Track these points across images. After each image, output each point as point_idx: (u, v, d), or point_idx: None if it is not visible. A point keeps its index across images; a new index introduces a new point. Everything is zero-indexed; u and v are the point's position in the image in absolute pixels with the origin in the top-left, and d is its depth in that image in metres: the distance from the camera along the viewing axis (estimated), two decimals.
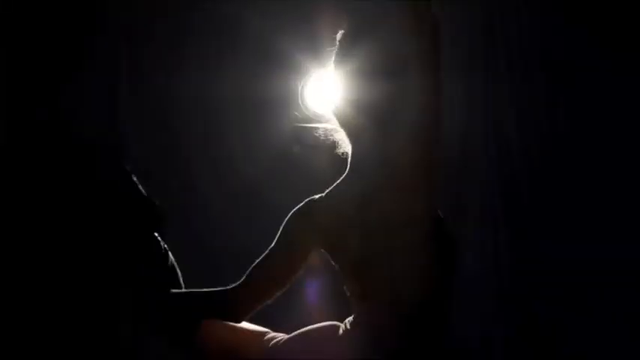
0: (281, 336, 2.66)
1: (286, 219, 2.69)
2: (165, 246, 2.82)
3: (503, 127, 4.52)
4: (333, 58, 2.67)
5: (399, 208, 2.56)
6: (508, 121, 4.52)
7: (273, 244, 2.68)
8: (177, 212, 5.03)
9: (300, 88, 2.96)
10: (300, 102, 2.86)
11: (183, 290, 2.79)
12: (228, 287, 2.70)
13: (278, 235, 2.69)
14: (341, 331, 2.61)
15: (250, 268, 2.69)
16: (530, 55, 4.54)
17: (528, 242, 4.56)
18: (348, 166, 2.67)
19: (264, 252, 2.70)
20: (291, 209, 2.71)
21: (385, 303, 2.54)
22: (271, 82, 4.19)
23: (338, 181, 2.66)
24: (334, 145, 2.74)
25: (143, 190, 2.81)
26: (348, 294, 2.63)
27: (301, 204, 2.68)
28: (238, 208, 4.54)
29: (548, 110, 4.59)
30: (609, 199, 4.57)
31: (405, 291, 2.54)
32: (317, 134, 2.73)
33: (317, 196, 2.67)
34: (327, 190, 2.67)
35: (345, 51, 2.63)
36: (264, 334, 2.68)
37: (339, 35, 2.67)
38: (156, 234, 2.80)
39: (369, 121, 2.60)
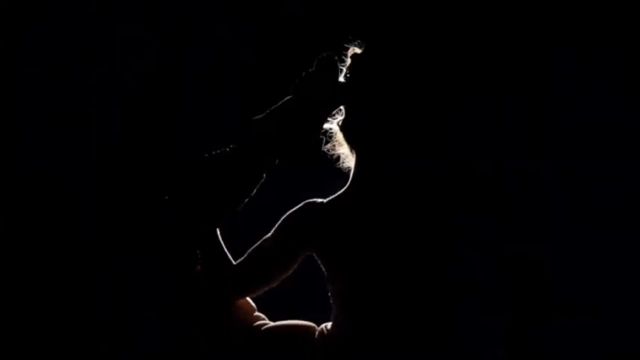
0: (267, 323, 2.68)
1: (284, 217, 2.70)
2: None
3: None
4: (344, 74, 2.68)
5: (403, 226, 2.57)
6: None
7: (268, 241, 2.69)
8: None
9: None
10: None
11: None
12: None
13: (274, 231, 2.69)
14: (317, 334, 2.62)
15: (242, 261, 2.69)
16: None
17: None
18: (350, 179, 2.69)
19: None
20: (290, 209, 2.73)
21: (372, 313, 2.55)
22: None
23: (340, 192, 2.68)
24: (338, 159, 2.76)
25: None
26: (332, 299, 2.64)
27: (301, 204, 2.69)
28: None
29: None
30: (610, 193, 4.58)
31: (399, 305, 2.54)
32: (324, 149, 2.74)
33: (318, 200, 2.69)
34: (329, 198, 2.68)
35: (357, 71, 2.65)
36: (257, 317, 2.70)
37: (351, 52, 2.69)
38: None
39: (375, 139, 2.61)
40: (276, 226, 2.71)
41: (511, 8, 4.50)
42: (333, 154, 2.75)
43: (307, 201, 2.70)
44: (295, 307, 3.16)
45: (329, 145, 2.74)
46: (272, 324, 2.68)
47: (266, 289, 2.71)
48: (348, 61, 2.69)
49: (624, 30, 4.41)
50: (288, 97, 2.62)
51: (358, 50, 2.68)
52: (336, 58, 2.64)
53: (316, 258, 2.68)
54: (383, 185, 2.62)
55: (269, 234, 2.72)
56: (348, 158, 2.72)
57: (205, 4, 4.81)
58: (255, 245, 2.72)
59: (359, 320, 2.58)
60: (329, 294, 2.66)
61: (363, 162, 2.65)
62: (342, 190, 2.70)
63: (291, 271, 2.71)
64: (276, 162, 2.60)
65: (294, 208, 2.71)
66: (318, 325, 2.71)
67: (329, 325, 2.66)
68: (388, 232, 2.59)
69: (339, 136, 2.70)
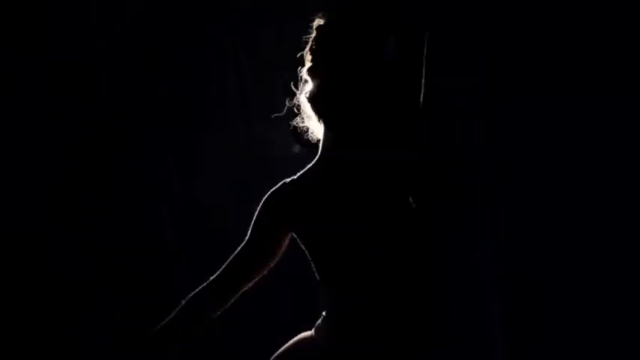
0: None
1: (260, 204, 2.69)
2: None
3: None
4: (309, 46, 2.68)
5: (376, 193, 2.56)
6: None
7: (248, 232, 2.69)
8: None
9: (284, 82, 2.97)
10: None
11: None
12: (205, 284, 2.69)
13: (252, 221, 2.69)
14: (310, 338, 2.62)
15: (227, 262, 2.68)
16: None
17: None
18: (320, 151, 2.67)
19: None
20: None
21: (360, 288, 2.54)
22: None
23: (310, 165, 2.67)
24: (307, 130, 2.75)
25: None
26: (319, 280, 2.63)
27: (274, 187, 2.68)
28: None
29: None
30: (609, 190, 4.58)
31: (384, 276, 2.53)
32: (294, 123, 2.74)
33: (289, 179, 2.67)
34: (300, 173, 2.67)
35: (322, 41, 2.64)
36: None
37: (316, 24, 2.68)
38: None
39: (341, 109, 2.61)
40: (255, 213, 2.69)
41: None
42: (302, 127, 2.75)
43: (281, 182, 2.69)
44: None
45: (298, 118, 2.74)
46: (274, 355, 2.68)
47: (250, 284, 2.69)
48: (313, 32, 2.68)
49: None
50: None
51: (322, 22, 2.68)
52: None
53: (295, 237, 2.66)
54: (350, 157, 2.61)
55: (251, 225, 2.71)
56: (316, 130, 2.72)
57: None
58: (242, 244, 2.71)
59: (349, 296, 2.56)
60: (315, 274, 2.64)
61: (329, 134, 2.64)
62: (312, 162, 2.68)
63: (278, 257, 2.68)
64: None
65: (269, 191, 2.70)
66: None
67: (319, 322, 2.65)
68: (356, 205, 2.58)
69: (307, 108, 2.70)
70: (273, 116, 2.76)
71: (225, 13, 4.84)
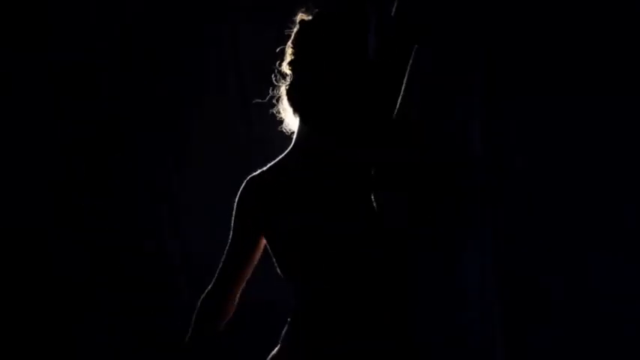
0: None
1: (238, 194, 2.69)
2: None
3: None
4: (291, 39, 2.69)
5: (340, 194, 2.56)
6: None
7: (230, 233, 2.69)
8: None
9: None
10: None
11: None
12: (202, 296, 2.70)
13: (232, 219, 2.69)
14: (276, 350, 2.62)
15: (218, 269, 2.69)
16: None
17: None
18: (292, 143, 2.68)
19: None
20: None
21: (327, 281, 2.54)
22: None
23: (282, 155, 2.67)
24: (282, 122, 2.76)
25: None
26: (284, 277, 2.62)
27: (249, 179, 2.68)
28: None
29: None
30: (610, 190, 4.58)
31: (350, 268, 2.53)
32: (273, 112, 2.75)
33: (257, 173, 2.67)
34: (270, 163, 2.67)
35: (304, 36, 2.65)
36: None
37: (299, 18, 2.68)
38: None
39: (316, 104, 2.61)
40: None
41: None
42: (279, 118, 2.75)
43: (249, 178, 2.69)
44: None
45: (275, 109, 2.74)
46: None
47: (242, 285, 2.70)
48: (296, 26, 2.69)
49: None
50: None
51: (306, 17, 2.68)
52: None
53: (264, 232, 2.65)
54: (321, 151, 2.61)
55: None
56: (291, 123, 2.72)
57: None
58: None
59: (316, 291, 2.56)
60: (279, 271, 2.64)
61: (304, 128, 2.64)
62: (285, 152, 2.68)
63: (261, 250, 2.68)
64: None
65: (239, 191, 2.69)
66: None
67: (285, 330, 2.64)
68: (326, 198, 2.57)
69: (285, 100, 2.70)
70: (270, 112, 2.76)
71: (225, 13, 4.84)
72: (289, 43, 2.68)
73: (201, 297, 2.69)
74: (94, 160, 4.95)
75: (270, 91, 2.75)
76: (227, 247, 2.68)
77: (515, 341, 4.51)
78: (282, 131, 2.77)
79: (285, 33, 2.70)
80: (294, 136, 2.68)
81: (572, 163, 4.59)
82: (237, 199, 2.67)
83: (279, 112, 2.74)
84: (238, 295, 2.68)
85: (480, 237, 4.31)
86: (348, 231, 2.54)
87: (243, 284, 2.68)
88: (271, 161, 2.68)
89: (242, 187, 2.67)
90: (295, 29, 2.67)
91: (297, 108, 2.65)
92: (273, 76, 2.72)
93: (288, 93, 2.66)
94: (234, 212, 2.67)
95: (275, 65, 2.73)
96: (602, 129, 4.58)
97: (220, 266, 2.69)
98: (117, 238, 4.94)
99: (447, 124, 2.76)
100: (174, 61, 4.93)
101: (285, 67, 2.68)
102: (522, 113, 4.60)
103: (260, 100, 2.78)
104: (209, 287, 2.69)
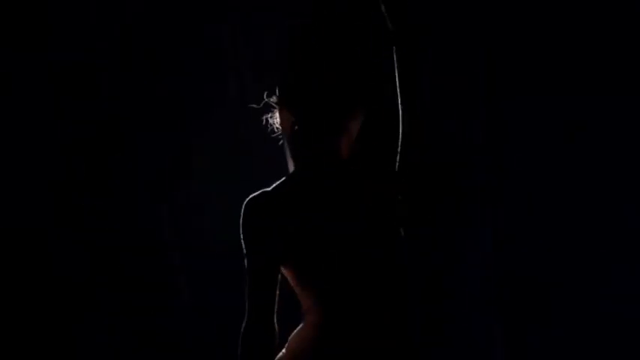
0: None
1: (245, 218, 2.55)
2: None
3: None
4: (288, 46, 2.67)
5: (352, 212, 2.54)
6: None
7: (247, 258, 2.57)
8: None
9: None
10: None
11: None
12: (243, 333, 2.58)
13: (244, 242, 2.57)
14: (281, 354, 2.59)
15: (249, 301, 2.58)
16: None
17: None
18: (301, 163, 2.61)
19: None
20: None
21: (348, 285, 2.52)
22: None
23: (284, 179, 2.60)
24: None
25: None
26: (299, 289, 2.56)
27: (248, 207, 2.56)
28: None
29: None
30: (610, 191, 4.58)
31: (370, 270, 2.51)
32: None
33: (258, 193, 2.58)
34: (273, 187, 2.58)
35: (300, 42, 2.63)
36: None
37: (296, 25, 2.67)
38: None
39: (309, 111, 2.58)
40: (244, 231, 2.59)
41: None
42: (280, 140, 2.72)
43: (251, 199, 2.61)
44: None
45: (271, 114, 2.69)
46: None
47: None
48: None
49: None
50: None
51: (302, 23, 2.66)
52: None
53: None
54: (325, 162, 2.59)
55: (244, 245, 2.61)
56: (289, 159, 2.67)
57: None
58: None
59: (330, 308, 2.54)
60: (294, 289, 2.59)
61: (305, 145, 2.60)
62: (292, 174, 2.63)
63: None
64: None
65: (244, 215, 2.55)
66: None
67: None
68: (341, 205, 2.55)
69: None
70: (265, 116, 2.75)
71: (225, 13, 4.84)
72: (285, 49, 2.65)
73: (242, 334, 2.57)
74: (94, 160, 4.95)
75: (265, 98, 2.71)
76: (251, 276, 2.51)
77: (515, 341, 4.51)
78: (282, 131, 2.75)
79: (281, 39, 2.68)
80: (290, 161, 2.63)
81: (572, 163, 4.59)
82: (247, 223, 2.53)
83: (271, 118, 2.70)
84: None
85: (479, 237, 4.30)
86: (368, 234, 2.52)
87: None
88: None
89: (248, 209, 2.55)
90: (291, 36, 2.65)
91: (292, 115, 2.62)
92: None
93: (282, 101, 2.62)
94: (248, 238, 2.53)
95: (275, 65, 2.72)
96: (602, 129, 4.58)
97: (251, 298, 2.52)
98: (117, 238, 4.93)
99: (447, 124, 2.76)
100: (174, 61, 4.93)
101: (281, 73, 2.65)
102: (522, 113, 4.60)
103: (256, 106, 2.75)
104: (247, 323, 2.53)
